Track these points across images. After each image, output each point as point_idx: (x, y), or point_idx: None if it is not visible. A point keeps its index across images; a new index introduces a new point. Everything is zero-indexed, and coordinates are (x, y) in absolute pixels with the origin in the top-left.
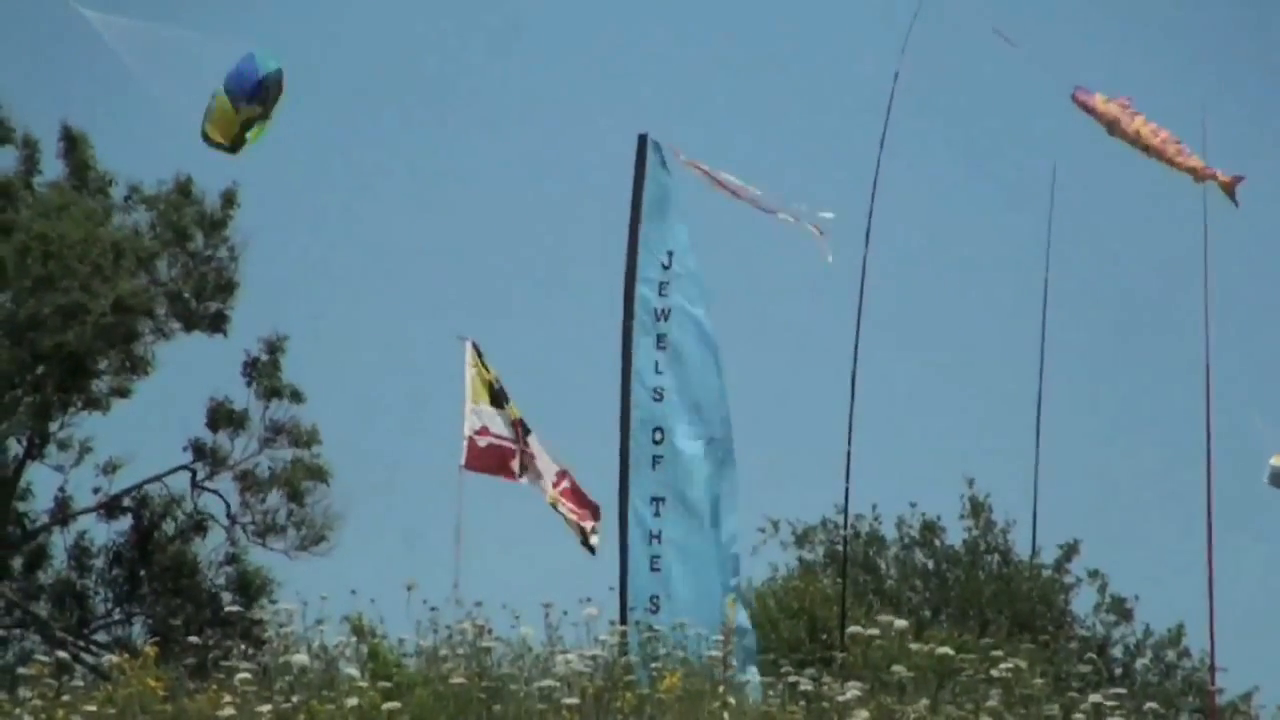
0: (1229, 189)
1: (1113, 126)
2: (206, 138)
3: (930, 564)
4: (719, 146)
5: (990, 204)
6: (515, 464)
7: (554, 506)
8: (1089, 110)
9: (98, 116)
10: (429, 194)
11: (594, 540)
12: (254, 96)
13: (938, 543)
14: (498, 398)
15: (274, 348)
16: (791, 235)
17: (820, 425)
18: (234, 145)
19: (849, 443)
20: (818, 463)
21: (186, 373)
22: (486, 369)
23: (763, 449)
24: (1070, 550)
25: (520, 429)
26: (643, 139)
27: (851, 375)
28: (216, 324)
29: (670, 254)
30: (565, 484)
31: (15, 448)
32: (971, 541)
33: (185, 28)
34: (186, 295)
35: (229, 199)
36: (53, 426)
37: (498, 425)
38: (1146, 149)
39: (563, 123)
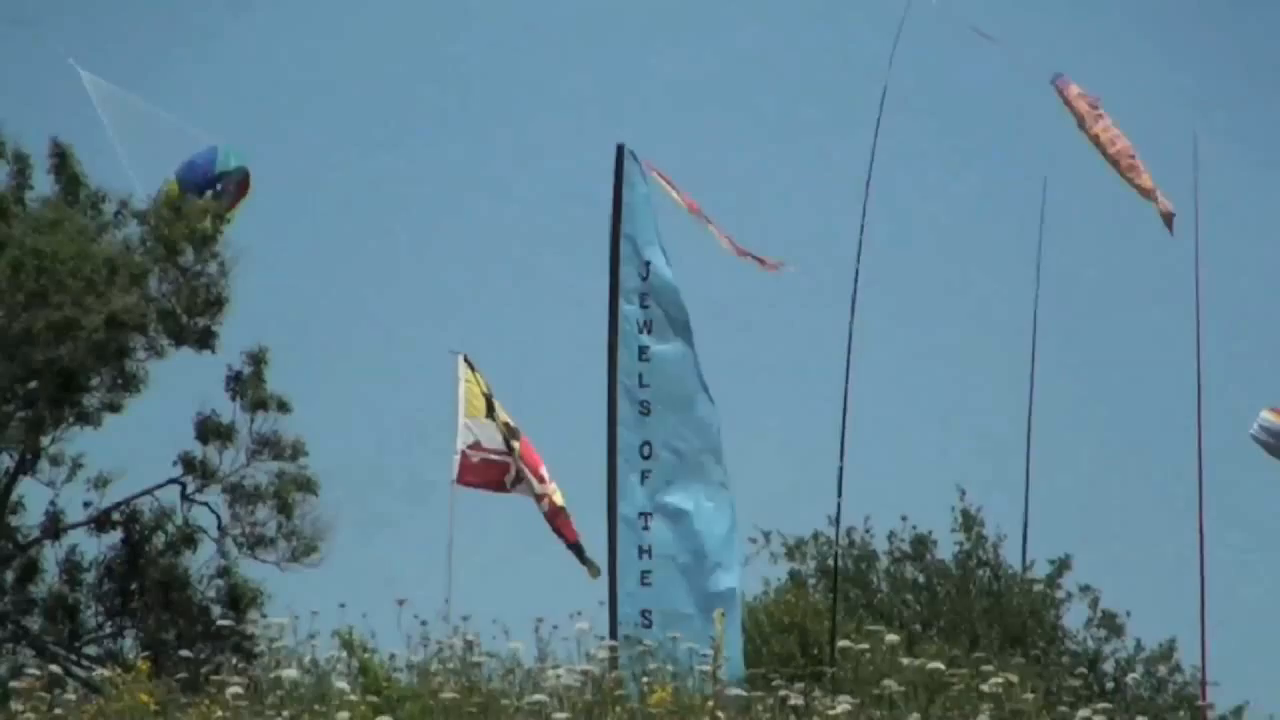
0: (1166, 219)
1: (1081, 122)
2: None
3: (921, 578)
4: (707, 158)
5: (981, 215)
6: (509, 477)
7: (550, 516)
8: (1065, 100)
9: (89, 132)
10: (416, 206)
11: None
12: (203, 190)
13: (929, 556)
14: (489, 408)
15: (257, 359)
16: (781, 246)
17: (812, 437)
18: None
19: (841, 456)
20: (809, 475)
21: (177, 387)
22: (479, 381)
23: (754, 461)
24: (1062, 565)
25: (506, 438)
26: (620, 149)
27: (844, 387)
28: (205, 340)
29: (648, 265)
30: (546, 504)
31: (7, 462)
32: (962, 556)
33: (167, 101)
34: (177, 311)
35: (218, 215)
36: (44, 441)
37: (490, 439)
38: (1103, 154)
39: (550, 134)
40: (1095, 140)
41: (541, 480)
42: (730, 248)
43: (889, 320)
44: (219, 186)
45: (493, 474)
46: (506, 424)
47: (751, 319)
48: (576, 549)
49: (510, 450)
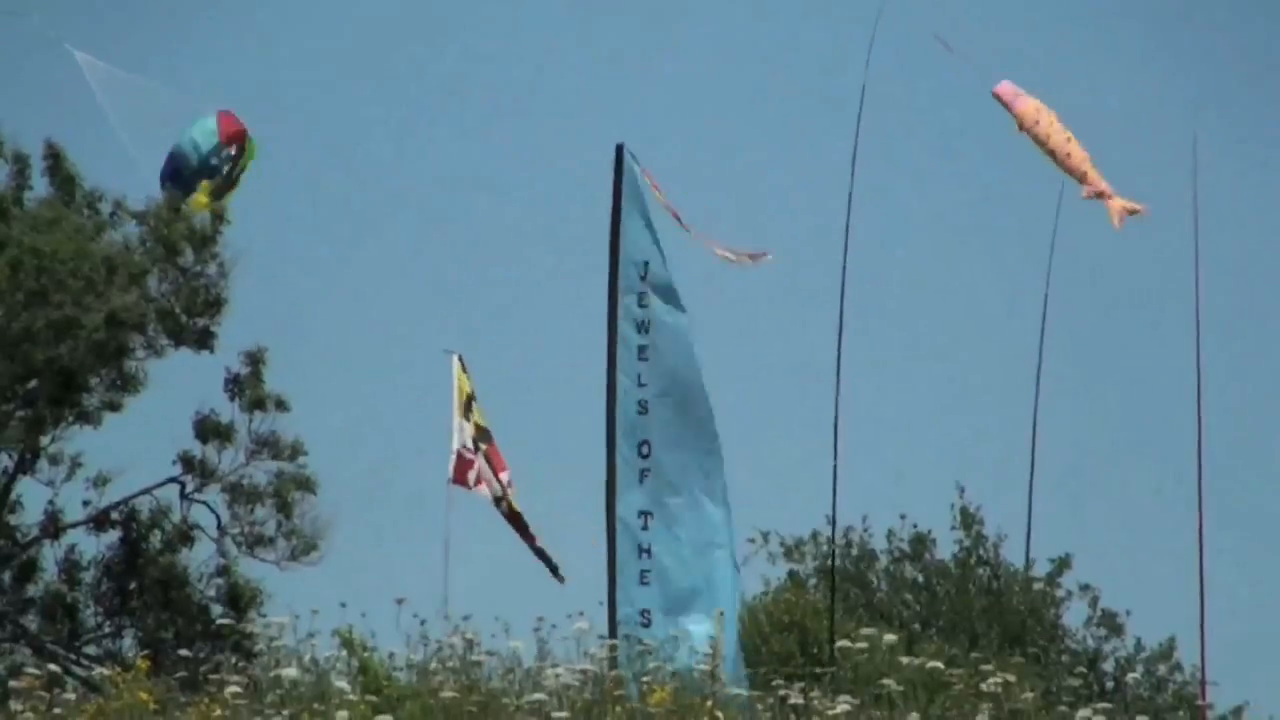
0: (1125, 213)
1: (1024, 122)
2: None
3: (920, 577)
4: (699, 158)
5: (980, 212)
6: (472, 474)
7: (508, 518)
8: (1007, 106)
9: (86, 133)
10: (416, 206)
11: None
12: (199, 178)
13: (928, 555)
14: (466, 409)
15: (255, 359)
16: (777, 242)
17: (810, 435)
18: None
19: (835, 454)
20: (808, 473)
21: (176, 386)
22: (466, 381)
23: (752, 460)
24: (1062, 564)
25: (476, 439)
26: (620, 149)
27: (835, 385)
28: (204, 340)
29: (646, 264)
30: (505, 507)
31: (6, 461)
32: (962, 555)
33: (161, 76)
34: (176, 311)
35: (218, 215)
36: (44, 440)
37: (463, 439)
38: (1052, 154)
39: (547, 133)
40: (1046, 139)
41: (503, 484)
42: (718, 252)
43: (887, 317)
44: (214, 162)
45: (463, 471)
46: (478, 425)
47: (748, 316)
48: (540, 553)
49: (476, 449)
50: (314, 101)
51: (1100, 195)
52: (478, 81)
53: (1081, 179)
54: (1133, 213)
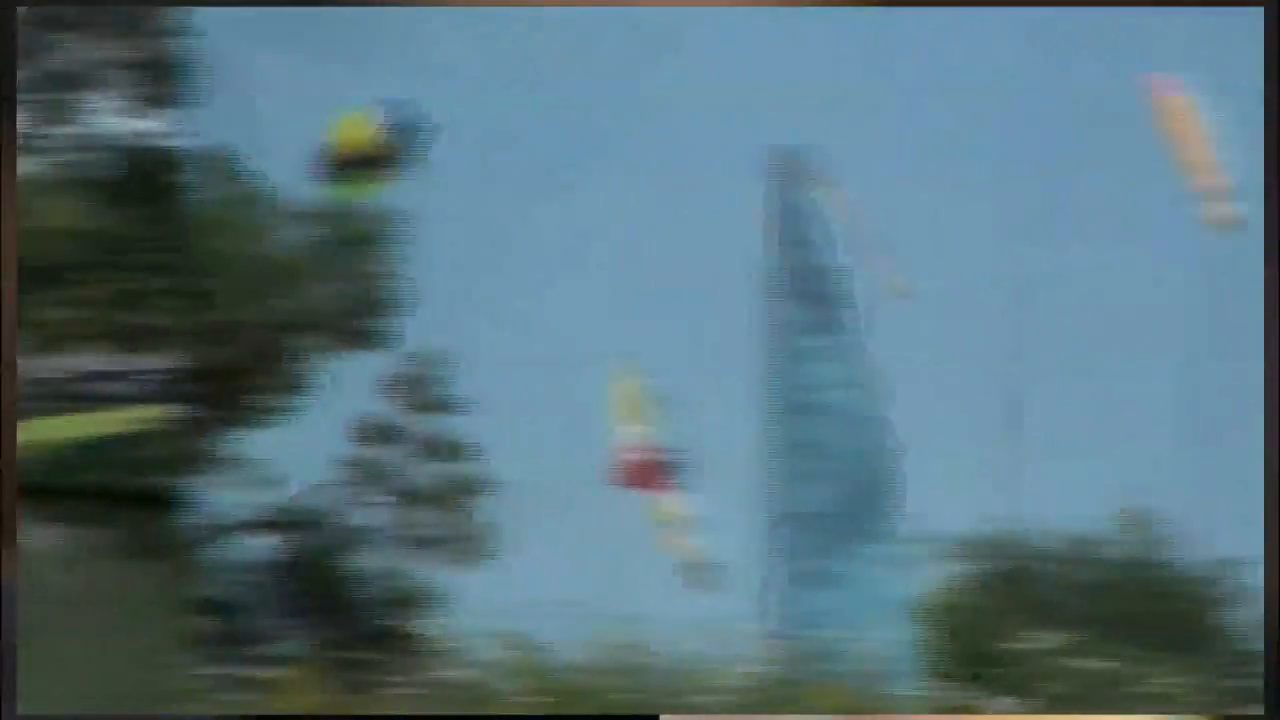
0: (1221, 217)
1: (1164, 112)
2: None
3: (1090, 579)
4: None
5: (1141, 213)
6: (657, 478)
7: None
8: (1155, 95)
9: (253, 133)
10: (585, 208)
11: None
12: (400, 126)
13: (1097, 557)
14: (643, 413)
15: (426, 361)
16: (936, 245)
17: (979, 436)
18: (351, 165)
19: (1007, 454)
20: (975, 474)
21: (344, 388)
22: (639, 385)
23: (918, 461)
24: (1232, 566)
25: (644, 444)
26: (780, 151)
27: (1007, 385)
28: (373, 341)
29: (810, 266)
30: (665, 515)
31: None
32: (1132, 556)
33: (337, 77)
34: (345, 313)
35: (388, 216)
36: (210, 443)
37: (646, 440)
38: (1179, 146)
39: (705, 135)
40: (1174, 134)
41: (664, 489)
42: (877, 270)
43: (1056, 315)
44: (398, 129)
45: (647, 475)
46: (646, 432)
47: (921, 317)
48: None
49: (647, 454)
50: (504, 103)
51: (1208, 193)
52: (652, 75)
53: (1199, 173)
54: (1227, 222)
